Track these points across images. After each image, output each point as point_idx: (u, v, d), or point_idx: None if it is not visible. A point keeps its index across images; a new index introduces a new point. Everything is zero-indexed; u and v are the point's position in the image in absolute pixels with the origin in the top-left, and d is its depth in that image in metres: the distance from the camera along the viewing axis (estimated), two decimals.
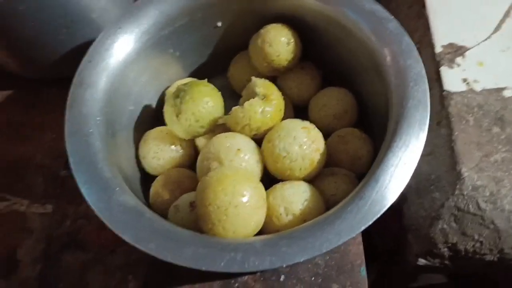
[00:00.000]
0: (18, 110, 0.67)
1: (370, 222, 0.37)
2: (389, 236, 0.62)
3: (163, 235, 0.39)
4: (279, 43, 0.52)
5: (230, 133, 0.48)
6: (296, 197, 0.44)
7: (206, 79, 0.52)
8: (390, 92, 0.44)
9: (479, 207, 0.47)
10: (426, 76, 0.43)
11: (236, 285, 0.51)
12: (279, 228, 0.43)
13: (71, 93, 0.46)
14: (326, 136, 0.54)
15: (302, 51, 0.56)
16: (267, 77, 0.56)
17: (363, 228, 0.37)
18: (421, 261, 0.54)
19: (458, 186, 0.47)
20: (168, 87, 0.58)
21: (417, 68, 0.43)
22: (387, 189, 0.39)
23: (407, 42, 0.45)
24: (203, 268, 0.37)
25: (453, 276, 0.80)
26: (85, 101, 0.46)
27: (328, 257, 0.51)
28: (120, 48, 0.50)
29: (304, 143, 0.45)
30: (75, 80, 0.47)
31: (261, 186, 0.44)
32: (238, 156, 0.45)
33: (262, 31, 0.53)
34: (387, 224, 0.61)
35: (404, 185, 0.39)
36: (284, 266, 0.37)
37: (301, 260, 0.37)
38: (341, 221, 0.38)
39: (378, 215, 0.38)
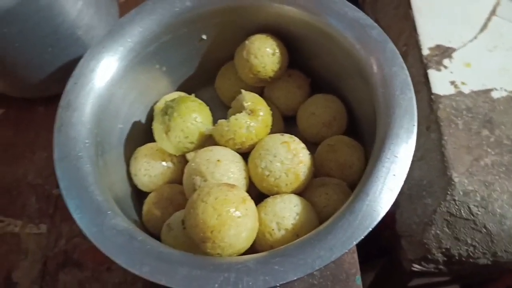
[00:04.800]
0: (7, 130, 0.66)
1: (362, 237, 0.37)
2: (383, 241, 0.62)
3: (156, 258, 0.39)
4: (264, 54, 0.52)
5: (211, 146, 0.48)
6: (287, 211, 0.44)
7: (193, 94, 0.52)
8: (377, 101, 0.44)
9: (471, 212, 0.47)
10: (411, 84, 0.43)
11: None
12: (272, 244, 0.43)
13: (58, 116, 0.46)
14: (317, 145, 0.54)
15: (289, 60, 0.55)
16: (254, 88, 0.56)
17: (354, 243, 0.37)
18: (416, 267, 0.54)
19: (449, 192, 0.48)
20: (156, 102, 0.57)
21: (402, 75, 0.43)
22: (377, 202, 0.38)
23: (391, 49, 0.45)
24: None
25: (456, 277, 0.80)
26: (73, 125, 0.46)
27: (323, 268, 0.51)
28: (106, 68, 0.49)
29: (285, 159, 0.45)
30: (61, 102, 0.47)
31: (248, 198, 0.43)
32: (219, 167, 0.45)
33: (246, 42, 0.53)
34: (381, 231, 0.61)
35: (395, 197, 0.39)
36: (278, 285, 0.37)
37: (294, 278, 0.37)
38: (332, 237, 0.38)
39: (370, 229, 0.38)
